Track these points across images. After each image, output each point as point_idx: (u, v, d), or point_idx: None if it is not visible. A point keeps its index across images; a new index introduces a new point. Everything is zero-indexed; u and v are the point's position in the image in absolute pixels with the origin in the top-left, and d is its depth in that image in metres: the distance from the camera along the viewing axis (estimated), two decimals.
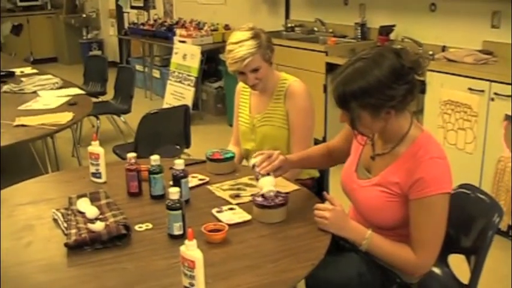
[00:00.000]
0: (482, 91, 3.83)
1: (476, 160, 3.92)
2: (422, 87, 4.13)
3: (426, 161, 2.00)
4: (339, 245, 2.26)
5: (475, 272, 2.22)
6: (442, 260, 2.44)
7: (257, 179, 2.35)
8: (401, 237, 2.10)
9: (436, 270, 2.46)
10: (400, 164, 2.08)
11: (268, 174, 2.33)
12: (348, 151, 2.37)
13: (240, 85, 3.12)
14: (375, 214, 2.15)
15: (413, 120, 2.12)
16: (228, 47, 2.82)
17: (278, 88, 2.91)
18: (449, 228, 2.28)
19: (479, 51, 4.37)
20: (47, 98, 4.53)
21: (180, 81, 6.97)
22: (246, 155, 3.07)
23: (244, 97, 3.09)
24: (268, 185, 2.28)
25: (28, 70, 5.75)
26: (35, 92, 4.74)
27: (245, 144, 3.05)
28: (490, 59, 4.24)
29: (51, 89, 4.87)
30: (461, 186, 2.42)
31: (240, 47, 2.76)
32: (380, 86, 1.96)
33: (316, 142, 2.93)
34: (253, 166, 2.38)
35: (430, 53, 4.50)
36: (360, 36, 5.60)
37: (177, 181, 2.35)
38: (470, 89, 3.91)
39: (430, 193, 1.99)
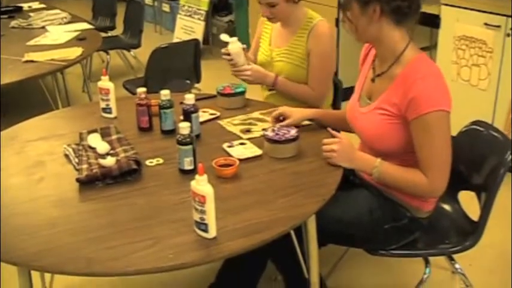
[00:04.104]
0: (499, 26, 3.76)
1: (490, 97, 3.88)
2: (436, 22, 4.07)
3: (418, 80, 2.00)
4: (349, 181, 2.27)
5: (485, 209, 2.23)
6: (452, 197, 2.46)
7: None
8: (409, 163, 2.09)
9: (446, 206, 2.47)
10: (396, 85, 2.07)
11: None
12: None
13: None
14: (377, 139, 2.15)
15: (411, 43, 2.11)
16: None
17: (303, 26, 2.84)
18: (460, 165, 2.29)
19: None
20: (56, 33, 4.50)
21: (190, 15, 6.88)
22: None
23: (266, 28, 3.04)
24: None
25: (36, 5, 5.68)
26: (43, 27, 4.71)
27: None
28: None
29: (60, 24, 4.83)
30: (473, 122, 2.41)
31: None
32: None
33: None
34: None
35: None
36: None
37: (187, 116, 2.35)
38: (486, 24, 3.83)
39: (424, 111, 1.98)
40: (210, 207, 1.69)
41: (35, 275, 2.22)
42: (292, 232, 2.24)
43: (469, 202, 2.45)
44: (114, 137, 2.39)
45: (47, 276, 2.70)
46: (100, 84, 2.64)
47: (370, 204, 2.23)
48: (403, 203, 2.21)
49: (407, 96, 2.00)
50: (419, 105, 1.98)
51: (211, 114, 2.64)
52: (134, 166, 2.10)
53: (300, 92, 2.83)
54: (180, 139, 2.07)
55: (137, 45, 5.55)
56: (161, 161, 2.22)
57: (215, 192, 1.70)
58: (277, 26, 2.97)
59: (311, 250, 2.11)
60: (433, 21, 4.10)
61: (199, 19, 6.72)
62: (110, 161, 2.13)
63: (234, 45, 2.78)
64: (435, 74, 2.04)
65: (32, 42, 4.24)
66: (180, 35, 6.96)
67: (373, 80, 2.21)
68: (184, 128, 2.07)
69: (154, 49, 3.96)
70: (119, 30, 5.94)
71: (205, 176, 1.69)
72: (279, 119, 2.42)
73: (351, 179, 2.32)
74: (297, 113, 2.43)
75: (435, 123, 1.99)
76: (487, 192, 2.23)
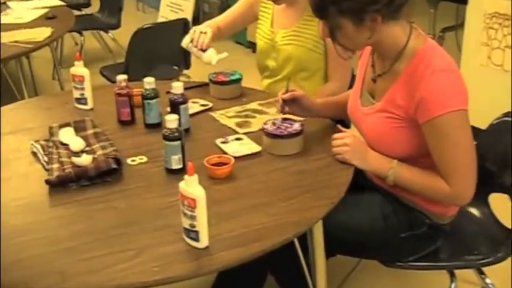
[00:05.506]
0: None
1: None
2: None
3: (427, 77, 1.97)
4: (358, 184, 2.26)
5: None
6: (481, 200, 2.44)
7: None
8: (425, 165, 2.08)
9: (474, 211, 2.47)
10: (401, 83, 2.06)
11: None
12: None
13: None
14: (383, 144, 2.14)
15: (414, 30, 2.08)
16: None
17: None
18: (490, 163, 2.29)
19: None
20: (19, 10, 4.50)
21: None
22: (263, 71, 3.07)
23: (266, 7, 3.03)
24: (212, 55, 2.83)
25: None
26: (4, 3, 4.70)
27: (264, 61, 3.02)
28: None
29: None
30: (506, 114, 2.41)
31: None
32: None
33: None
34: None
35: None
36: None
37: (175, 107, 2.36)
38: None
39: (436, 114, 1.95)
40: (202, 212, 1.70)
41: None
42: (295, 240, 2.26)
43: (502, 206, 2.45)
44: (90, 131, 2.40)
45: None
46: (73, 70, 2.65)
47: (384, 209, 2.24)
48: (421, 209, 2.22)
49: (415, 97, 1.99)
50: (429, 108, 1.96)
51: (203, 105, 2.65)
52: (114, 165, 2.11)
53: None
54: (166, 134, 2.09)
55: (116, 26, 5.56)
56: (145, 159, 2.23)
57: (207, 195, 1.70)
58: (279, 6, 2.97)
59: (317, 261, 2.12)
60: None
61: None
62: (85, 160, 2.14)
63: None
64: (448, 68, 2.01)
65: None
66: (166, 14, 6.95)
67: (374, 80, 2.20)
68: (171, 121, 2.08)
69: (136, 30, 3.97)
70: (94, 8, 5.95)
71: (195, 177, 1.69)
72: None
73: (360, 181, 2.32)
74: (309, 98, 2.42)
75: (449, 126, 1.97)
76: None
